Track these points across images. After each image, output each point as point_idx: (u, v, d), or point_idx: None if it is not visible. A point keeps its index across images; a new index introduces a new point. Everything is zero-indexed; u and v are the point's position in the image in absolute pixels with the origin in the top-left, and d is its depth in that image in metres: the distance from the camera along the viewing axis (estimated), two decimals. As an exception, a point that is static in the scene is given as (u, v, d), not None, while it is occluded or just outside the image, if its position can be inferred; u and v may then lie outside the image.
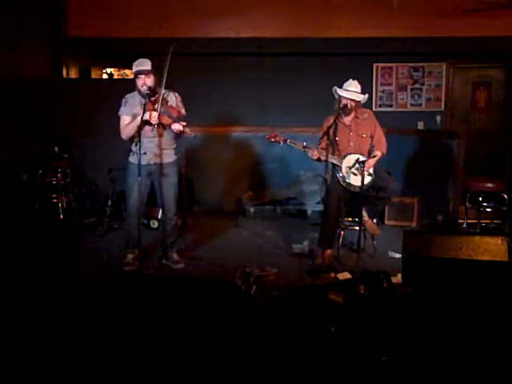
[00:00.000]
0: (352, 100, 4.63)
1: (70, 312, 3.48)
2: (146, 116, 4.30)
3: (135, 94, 4.51)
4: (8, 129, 6.27)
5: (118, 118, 4.52)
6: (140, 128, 4.30)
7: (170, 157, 4.61)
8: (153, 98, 4.37)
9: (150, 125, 4.38)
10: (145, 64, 4.40)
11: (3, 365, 2.90)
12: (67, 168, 6.48)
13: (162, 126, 4.44)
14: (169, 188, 4.61)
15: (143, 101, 4.38)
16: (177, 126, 4.40)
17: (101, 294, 3.68)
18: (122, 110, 4.50)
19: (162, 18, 6.96)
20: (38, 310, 3.49)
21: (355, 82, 4.69)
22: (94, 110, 6.66)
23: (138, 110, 4.41)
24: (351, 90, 4.64)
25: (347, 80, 4.72)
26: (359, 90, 4.67)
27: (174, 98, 4.52)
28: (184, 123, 4.39)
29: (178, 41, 6.90)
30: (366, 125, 4.77)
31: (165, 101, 4.40)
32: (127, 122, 4.45)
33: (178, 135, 4.56)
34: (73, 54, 7.40)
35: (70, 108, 6.85)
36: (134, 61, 4.47)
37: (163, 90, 4.36)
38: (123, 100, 4.52)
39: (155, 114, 4.31)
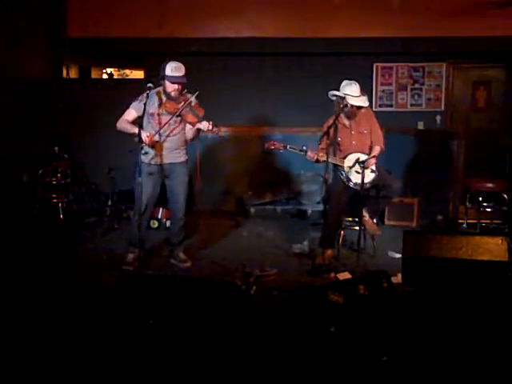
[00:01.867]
0: (358, 106, 4.62)
1: (70, 312, 3.48)
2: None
3: (153, 92, 4.48)
4: (8, 129, 6.26)
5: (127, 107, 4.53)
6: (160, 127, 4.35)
7: (182, 157, 4.65)
8: (176, 99, 4.41)
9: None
10: (181, 70, 4.40)
11: (4, 365, 2.90)
12: (67, 168, 6.47)
13: (177, 125, 4.49)
14: (180, 188, 4.63)
15: (164, 100, 4.42)
16: (205, 125, 4.39)
17: (101, 294, 3.69)
18: (135, 105, 4.49)
19: (162, 18, 6.96)
20: (38, 311, 3.49)
21: (358, 86, 4.62)
22: (94, 110, 6.66)
23: (155, 108, 4.46)
24: (357, 96, 4.60)
25: (343, 81, 4.68)
26: (364, 94, 4.67)
27: (193, 99, 4.52)
28: (211, 122, 4.40)
29: (178, 41, 6.95)
30: (364, 120, 4.78)
31: (189, 101, 4.41)
32: (130, 118, 4.49)
33: (196, 136, 4.60)
34: (73, 54, 7.40)
35: (70, 108, 6.86)
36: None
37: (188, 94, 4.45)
38: (140, 97, 4.46)
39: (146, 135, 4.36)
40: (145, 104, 4.35)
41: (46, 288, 3.91)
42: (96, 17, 7.00)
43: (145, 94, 4.44)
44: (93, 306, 3.52)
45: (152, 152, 4.44)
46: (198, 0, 7.02)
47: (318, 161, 4.66)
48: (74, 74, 7.65)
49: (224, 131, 4.49)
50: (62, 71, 7.36)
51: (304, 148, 4.66)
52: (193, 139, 4.69)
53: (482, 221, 5.90)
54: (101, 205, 6.56)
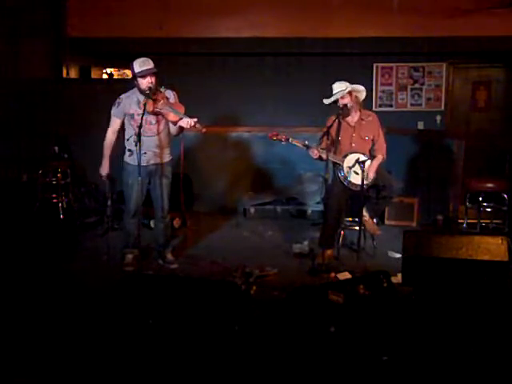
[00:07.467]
0: (342, 98, 4.65)
1: (70, 312, 3.48)
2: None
3: (131, 93, 4.49)
4: (8, 129, 6.26)
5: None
6: (140, 127, 4.27)
7: (167, 156, 4.63)
8: (154, 97, 4.36)
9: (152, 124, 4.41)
10: (149, 63, 4.36)
11: (4, 365, 2.90)
12: (67, 168, 6.47)
13: (159, 124, 4.44)
14: (165, 188, 4.62)
15: (142, 99, 4.36)
16: (188, 121, 4.28)
17: (101, 293, 3.68)
18: (114, 111, 4.50)
19: (163, 18, 6.95)
20: (38, 310, 3.49)
21: (337, 83, 4.72)
22: (94, 110, 6.64)
23: (135, 109, 4.41)
24: (337, 91, 4.67)
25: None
26: (343, 86, 4.68)
27: (172, 95, 4.51)
28: (195, 119, 4.32)
29: (178, 41, 6.95)
30: (369, 128, 4.80)
31: (166, 98, 4.38)
32: (116, 127, 4.50)
33: (180, 132, 4.55)
34: (73, 54, 7.39)
35: (70, 108, 6.85)
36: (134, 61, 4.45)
37: (167, 90, 4.38)
38: (117, 100, 4.50)
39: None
40: (123, 106, 4.42)
41: (45, 287, 3.91)
42: (96, 16, 6.99)
43: (122, 96, 4.48)
44: (93, 305, 3.52)
45: (136, 152, 4.26)
46: (198, 0, 7.02)
47: (320, 158, 4.65)
48: (74, 74, 7.64)
49: (204, 127, 4.38)
50: (62, 71, 7.35)
51: (306, 142, 4.67)
52: (177, 134, 4.60)
53: (482, 221, 5.89)
54: (101, 205, 6.55)
